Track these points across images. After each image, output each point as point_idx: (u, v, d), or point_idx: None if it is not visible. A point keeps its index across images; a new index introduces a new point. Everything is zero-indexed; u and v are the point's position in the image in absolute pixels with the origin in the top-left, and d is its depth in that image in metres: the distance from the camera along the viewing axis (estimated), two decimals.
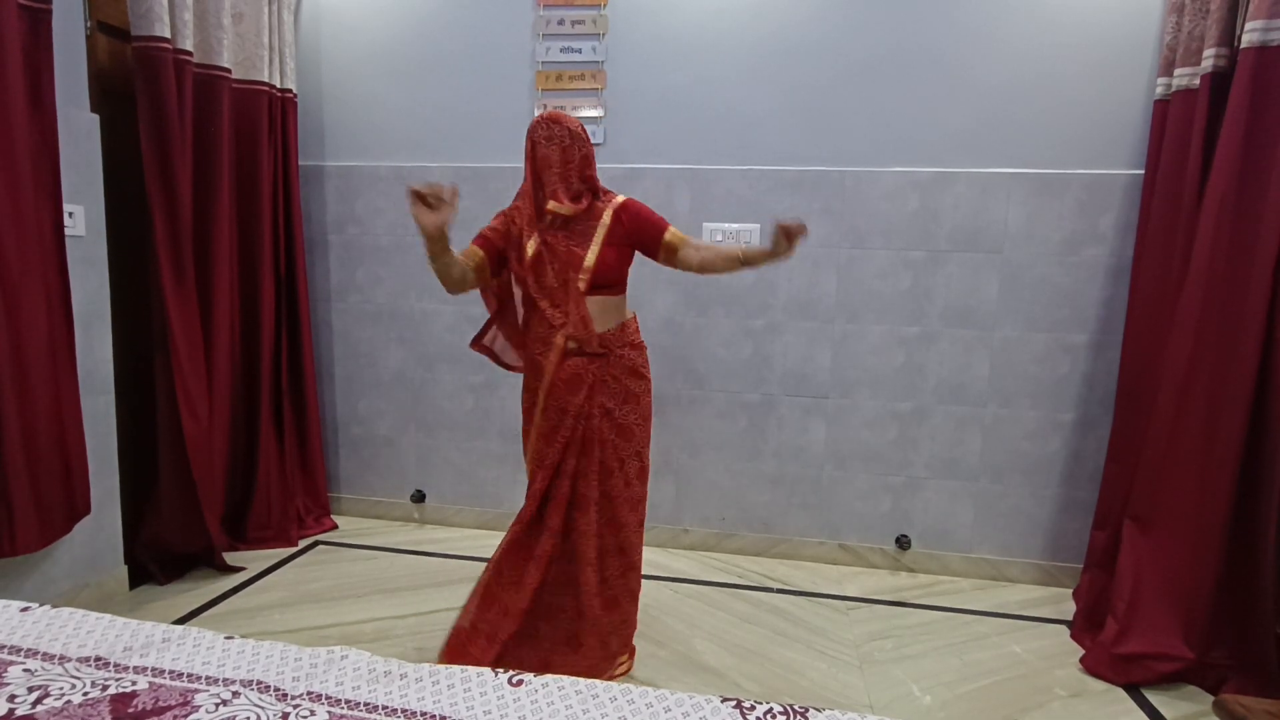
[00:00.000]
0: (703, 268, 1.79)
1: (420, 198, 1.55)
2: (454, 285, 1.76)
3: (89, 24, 2.12)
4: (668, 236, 1.80)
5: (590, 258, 1.72)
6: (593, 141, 2.64)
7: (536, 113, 2.70)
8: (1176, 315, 2.01)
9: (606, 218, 1.76)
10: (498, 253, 1.80)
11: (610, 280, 1.77)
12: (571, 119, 1.75)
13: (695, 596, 2.39)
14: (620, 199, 1.81)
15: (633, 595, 1.88)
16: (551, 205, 1.72)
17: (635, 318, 1.87)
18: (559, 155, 1.72)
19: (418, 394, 2.95)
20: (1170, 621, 1.96)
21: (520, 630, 1.76)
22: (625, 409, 1.79)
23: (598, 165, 2.65)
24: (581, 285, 1.72)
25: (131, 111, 2.18)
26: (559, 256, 1.73)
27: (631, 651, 1.95)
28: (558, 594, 1.79)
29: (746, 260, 1.73)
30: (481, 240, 1.80)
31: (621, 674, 1.88)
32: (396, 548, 2.74)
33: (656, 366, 2.72)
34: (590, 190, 1.78)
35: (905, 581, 2.59)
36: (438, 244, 1.62)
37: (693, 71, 2.59)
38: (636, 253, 1.85)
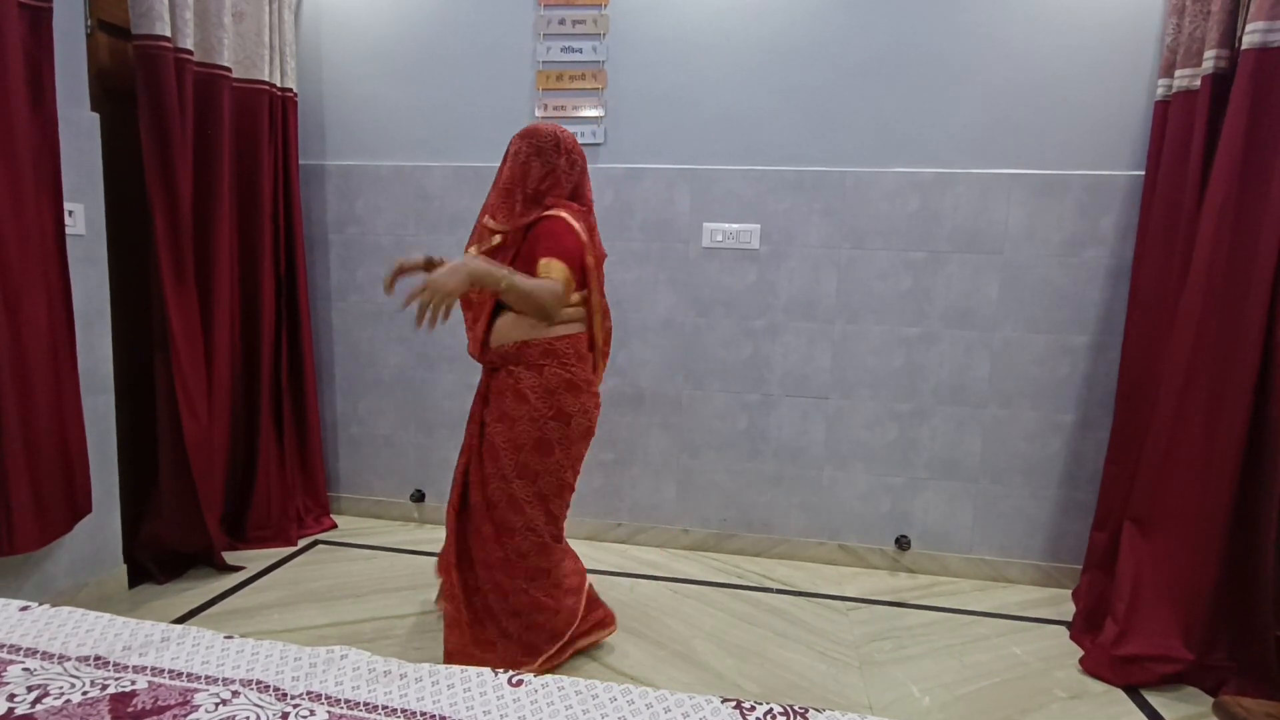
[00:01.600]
0: (525, 309, 1.65)
1: (405, 272, 1.71)
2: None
3: (89, 22, 2.12)
4: (539, 266, 1.64)
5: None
6: (594, 141, 2.67)
7: (537, 113, 2.71)
8: (1177, 317, 2.01)
9: (529, 231, 1.72)
10: None
11: None
12: (546, 129, 1.69)
13: (695, 597, 2.39)
14: (549, 214, 1.70)
15: (527, 614, 1.76)
16: (486, 221, 1.72)
17: (550, 340, 1.72)
18: (511, 173, 1.71)
19: (417, 394, 2.94)
20: (1170, 623, 1.96)
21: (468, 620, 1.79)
22: (497, 428, 1.72)
23: (599, 165, 2.68)
24: (475, 297, 1.73)
25: (132, 110, 2.18)
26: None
27: (540, 656, 1.79)
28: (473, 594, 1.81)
29: (495, 292, 1.60)
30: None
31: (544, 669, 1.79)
32: (396, 547, 2.73)
33: (655, 366, 2.73)
34: (539, 205, 1.72)
35: (905, 582, 2.59)
36: (482, 282, 1.54)
37: (693, 71, 2.59)
38: (597, 274, 1.80)
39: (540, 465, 1.72)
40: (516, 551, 1.74)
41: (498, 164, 2.73)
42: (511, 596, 1.75)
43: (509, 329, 1.72)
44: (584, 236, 1.73)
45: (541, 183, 1.69)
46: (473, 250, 1.76)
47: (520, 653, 1.76)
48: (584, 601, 1.91)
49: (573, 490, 1.82)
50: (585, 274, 1.76)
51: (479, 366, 2.86)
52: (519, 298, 1.58)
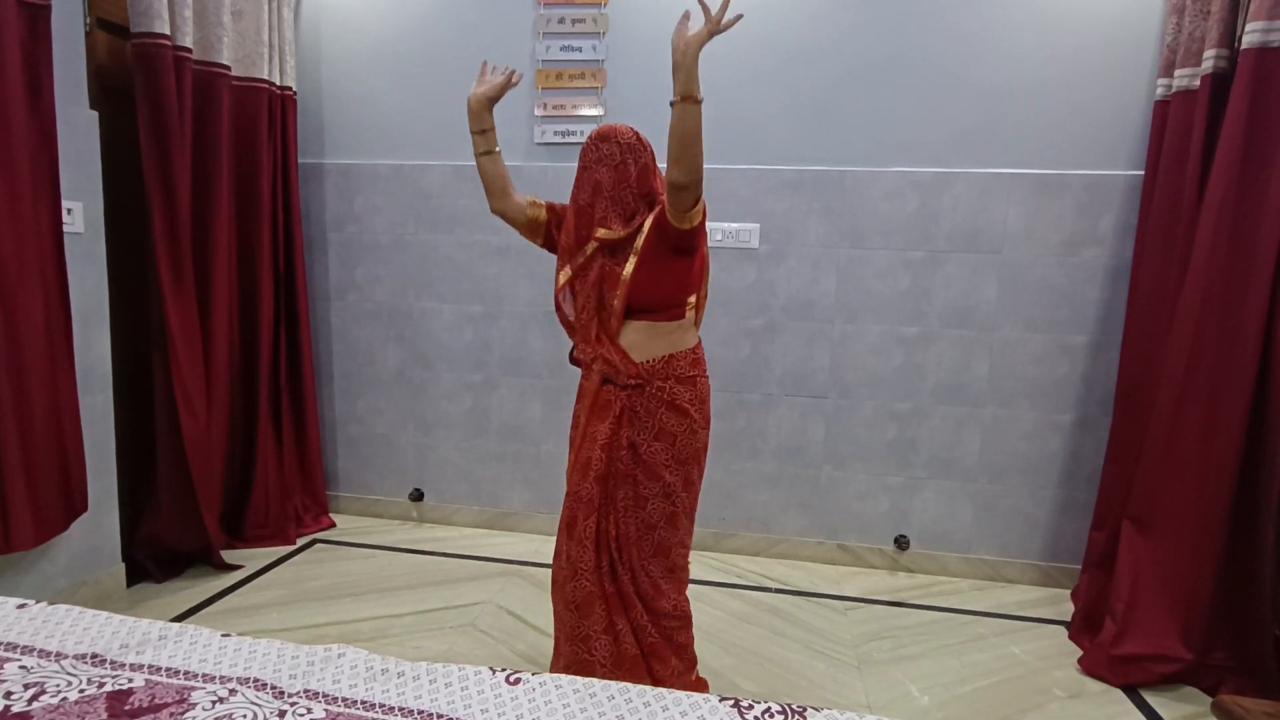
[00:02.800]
0: (680, 149, 1.47)
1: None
2: (494, 194, 1.70)
3: (88, 20, 2.11)
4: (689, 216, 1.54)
5: (626, 271, 1.58)
6: None
7: (537, 112, 2.70)
8: (1176, 316, 2.01)
9: (646, 226, 1.58)
10: (556, 224, 1.72)
11: (654, 302, 1.61)
12: (624, 131, 1.61)
13: (694, 596, 2.37)
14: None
15: (674, 646, 1.67)
16: (601, 233, 1.59)
17: (693, 350, 1.66)
18: (612, 177, 1.59)
19: (416, 393, 2.94)
20: (1169, 623, 1.96)
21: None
22: (655, 445, 1.61)
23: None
24: (617, 305, 1.59)
25: (131, 108, 2.17)
26: (601, 277, 1.62)
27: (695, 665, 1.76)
28: (615, 640, 1.64)
29: (682, 94, 1.48)
30: (549, 206, 1.74)
31: None
32: (394, 546, 2.73)
33: None
34: (648, 204, 1.63)
35: (904, 582, 2.59)
36: (473, 117, 1.62)
37: None
38: (703, 274, 1.68)
39: (696, 473, 1.68)
40: (669, 568, 1.67)
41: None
42: (665, 617, 1.66)
43: (648, 341, 1.62)
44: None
45: (642, 180, 1.62)
46: (566, 271, 1.64)
47: (684, 668, 1.70)
48: None
49: None
50: (706, 265, 1.70)
51: (478, 365, 2.90)
52: (696, 125, 1.47)
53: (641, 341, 1.62)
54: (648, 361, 1.61)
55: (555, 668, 1.71)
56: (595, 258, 1.62)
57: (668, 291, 1.62)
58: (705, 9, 1.48)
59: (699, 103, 1.46)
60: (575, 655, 1.64)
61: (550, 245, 1.75)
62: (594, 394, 1.65)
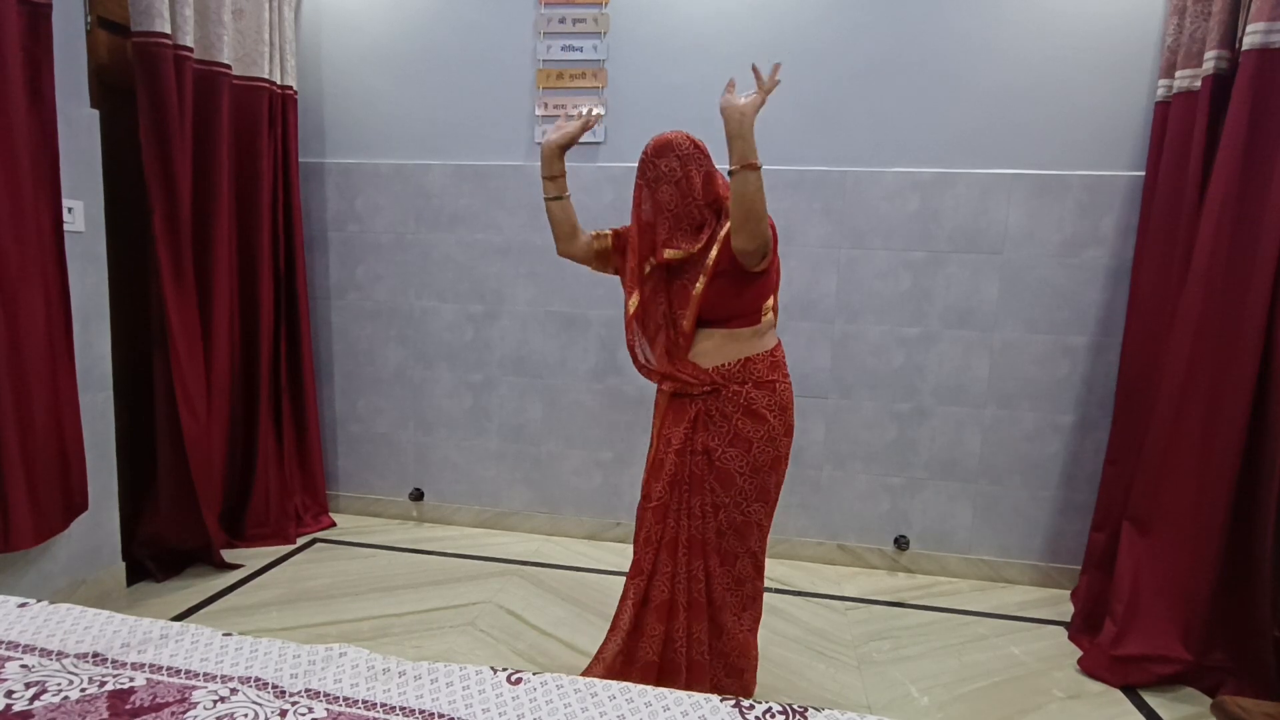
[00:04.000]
0: (743, 216, 1.43)
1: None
2: (562, 237, 1.69)
3: (89, 19, 2.11)
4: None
5: (697, 289, 1.54)
6: (594, 140, 2.67)
7: (537, 111, 2.70)
8: (1176, 317, 2.01)
9: (719, 240, 1.54)
10: (621, 249, 1.70)
11: (728, 314, 1.57)
12: (681, 141, 1.54)
13: None
14: None
15: (732, 659, 1.64)
16: (669, 254, 1.55)
17: (771, 353, 1.62)
18: (675, 193, 1.53)
19: (417, 392, 2.94)
20: (1168, 624, 1.96)
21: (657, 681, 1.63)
22: (730, 451, 1.57)
23: (599, 164, 2.68)
24: (686, 325, 1.56)
25: (131, 107, 2.17)
26: (670, 296, 1.60)
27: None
28: (672, 643, 1.63)
29: (741, 163, 1.42)
30: (614, 234, 1.72)
31: None
32: (395, 546, 2.73)
33: None
34: (715, 212, 1.58)
35: (904, 582, 2.59)
36: (545, 163, 1.61)
37: (694, 71, 2.59)
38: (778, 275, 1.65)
39: (773, 484, 1.62)
40: (736, 579, 1.63)
41: (497, 162, 2.77)
42: (725, 636, 1.63)
43: (722, 347, 1.58)
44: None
45: (708, 190, 1.57)
46: (635, 297, 1.60)
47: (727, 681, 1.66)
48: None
49: None
50: (779, 271, 1.64)
51: (478, 365, 2.90)
52: (757, 192, 1.41)
53: (714, 349, 1.58)
54: (721, 365, 1.58)
55: (601, 657, 1.69)
56: (663, 277, 1.59)
57: (742, 303, 1.57)
58: (758, 75, 1.48)
59: (758, 169, 1.41)
60: (622, 646, 1.64)
61: (621, 270, 1.71)
62: (667, 399, 1.64)
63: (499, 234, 2.77)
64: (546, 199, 1.68)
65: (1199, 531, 1.92)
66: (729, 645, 1.64)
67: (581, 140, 2.67)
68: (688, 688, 1.57)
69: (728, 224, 1.53)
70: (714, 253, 1.54)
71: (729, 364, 1.58)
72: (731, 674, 1.65)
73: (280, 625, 2.11)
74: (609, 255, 1.73)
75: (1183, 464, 1.96)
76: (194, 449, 2.31)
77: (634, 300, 1.61)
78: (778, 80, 1.48)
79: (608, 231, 1.73)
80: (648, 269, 1.59)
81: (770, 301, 1.61)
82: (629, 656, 1.65)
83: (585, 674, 1.61)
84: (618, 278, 1.77)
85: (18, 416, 1.81)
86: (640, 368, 1.66)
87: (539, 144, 2.73)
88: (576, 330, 2.78)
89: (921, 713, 1.81)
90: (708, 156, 1.57)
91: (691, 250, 1.54)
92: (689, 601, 1.62)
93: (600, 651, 1.70)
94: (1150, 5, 2.31)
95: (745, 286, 1.56)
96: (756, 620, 1.69)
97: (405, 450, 2.99)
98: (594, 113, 1.65)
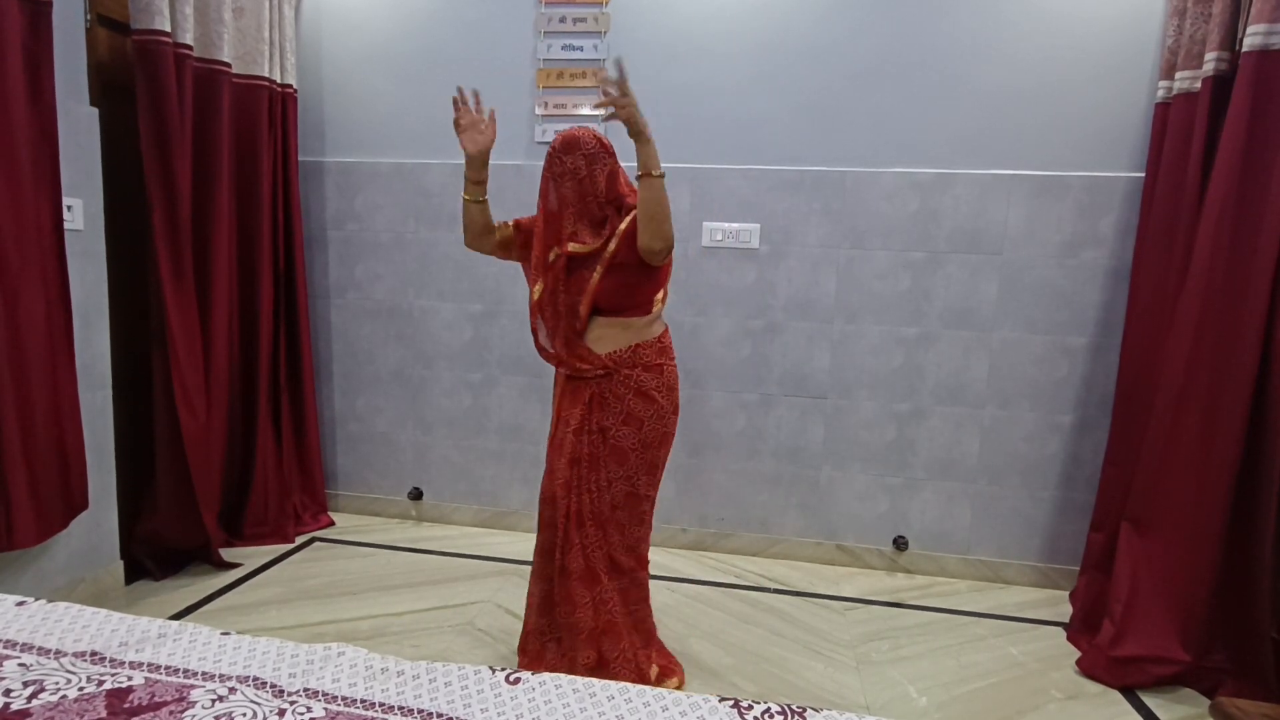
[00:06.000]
0: (646, 221, 1.56)
1: (456, 119, 1.67)
2: (474, 234, 1.76)
3: (89, 17, 2.11)
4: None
5: (593, 280, 1.65)
6: None
7: (538, 110, 2.70)
8: (1176, 318, 2.02)
9: (617, 234, 1.65)
10: (524, 240, 1.79)
11: (621, 305, 1.68)
12: (587, 139, 1.62)
13: (693, 596, 2.39)
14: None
15: (634, 619, 1.80)
16: (573, 247, 1.64)
17: (659, 339, 1.74)
18: (578, 190, 1.62)
19: (416, 391, 2.94)
20: (1167, 625, 1.96)
21: (556, 640, 1.81)
22: (624, 430, 1.70)
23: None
24: (582, 310, 1.67)
25: (131, 105, 2.17)
26: (569, 286, 1.68)
27: (664, 673, 1.84)
28: (566, 609, 1.76)
29: (647, 170, 1.54)
30: (516, 224, 1.81)
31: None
32: (394, 545, 2.73)
33: None
34: (617, 209, 1.68)
35: (902, 582, 2.59)
36: (474, 166, 1.67)
37: (694, 71, 2.59)
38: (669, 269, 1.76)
39: (660, 458, 1.77)
40: (629, 546, 1.78)
41: (497, 161, 2.73)
42: (628, 592, 1.79)
43: (616, 335, 1.70)
44: None
45: (610, 188, 1.65)
46: (540, 286, 1.70)
47: (641, 643, 1.82)
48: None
49: None
50: (671, 268, 1.77)
51: (478, 364, 2.89)
52: (663, 198, 1.55)
53: (608, 336, 1.70)
54: (614, 351, 1.69)
55: (523, 638, 1.87)
56: (565, 268, 1.68)
57: (635, 294, 1.69)
58: (607, 87, 1.54)
59: (658, 177, 1.54)
60: (536, 623, 1.82)
61: (523, 259, 1.81)
62: (564, 382, 1.76)
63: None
64: (469, 200, 1.74)
65: (1198, 532, 1.92)
66: (629, 587, 1.80)
67: None
68: (618, 647, 1.74)
69: (626, 219, 1.65)
70: (612, 247, 1.64)
71: (620, 350, 1.69)
72: (636, 624, 1.82)
73: (279, 624, 2.11)
74: (511, 244, 1.81)
75: (1182, 465, 1.96)
76: (193, 448, 2.31)
77: (538, 289, 1.71)
78: (625, 79, 1.54)
79: (510, 222, 1.81)
80: (551, 258, 1.68)
81: (660, 294, 1.74)
82: (555, 627, 1.80)
83: (522, 664, 1.80)
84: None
85: (18, 415, 1.81)
86: (541, 351, 1.78)
87: (539, 141, 2.72)
88: None
89: (920, 713, 1.81)
90: (612, 155, 1.66)
91: (594, 246, 1.65)
92: (590, 569, 1.74)
93: (523, 643, 1.86)
94: (1150, 6, 2.31)
95: (640, 280, 1.68)
96: (646, 562, 1.85)
97: (404, 449, 2.99)
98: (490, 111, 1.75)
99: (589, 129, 1.66)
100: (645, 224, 1.56)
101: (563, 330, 1.71)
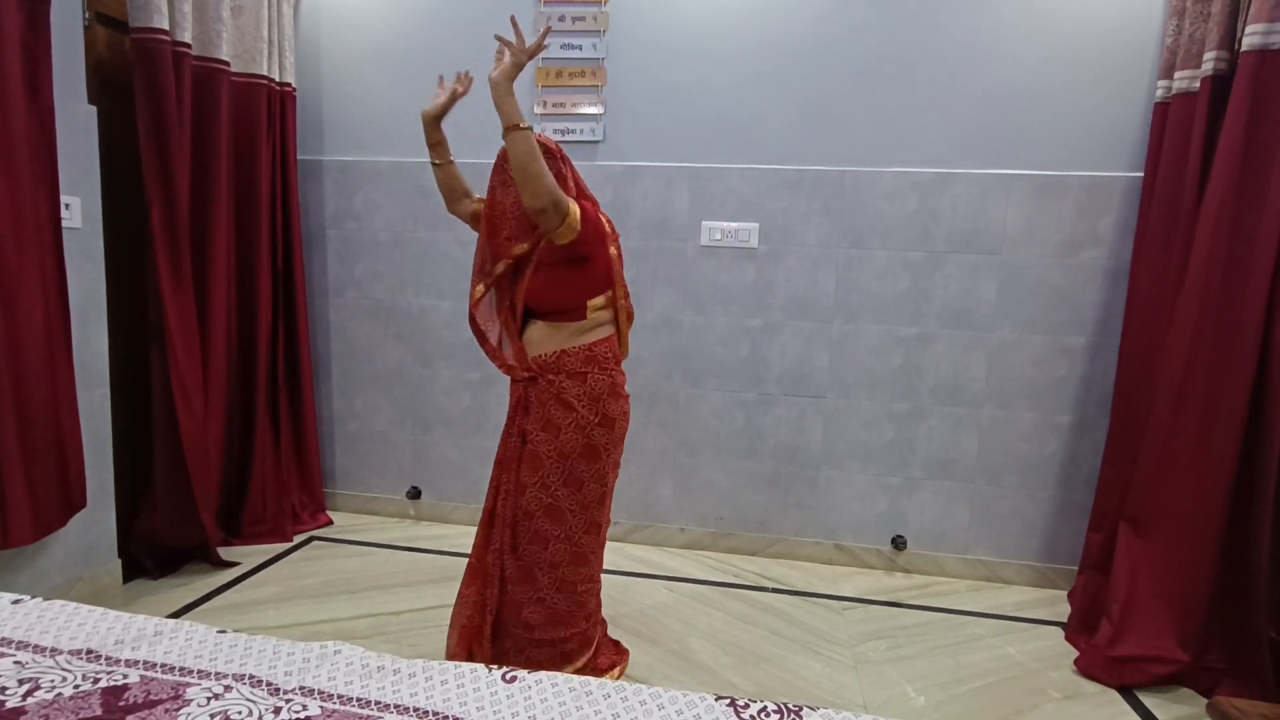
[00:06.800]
0: (521, 176, 1.52)
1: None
2: (448, 199, 1.83)
3: (87, 15, 2.11)
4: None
5: (525, 278, 1.68)
6: (593, 138, 2.67)
7: (537, 110, 2.70)
8: (1174, 318, 2.02)
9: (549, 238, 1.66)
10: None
11: (553, 306, 1.68)
12: None
13: (691, 595, 2.39)
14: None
15: (537, 634, 1.72)
16: (516, 249, 1.67)
17: (589, 347, 1.70)
18: (514, 197, 1.65)
19: (415, 390, 2.94)
20: (1165, 624, 1.96)
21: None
22: (540, 435, 1.67)
23: (598, 162, 2.67)
24: (517, 312, 1.71)
25: (129, 103, 2.17)
26: (512, 287, 1.72)
27: (599, 668, 1.84)
28: (481, 607, 1.75)
29: (506, 125, 1.52)
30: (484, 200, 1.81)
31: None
32: (392, 544, 2.73)
33: (653, 364, 2.73)
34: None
35: (901, 582, 2.59)
36: (426, 129, 1.74)
37: (693, 70, 2.59)
38: (603, 276, 1.72)
39: (587, 472, 1.70)
40: (548, 563, 1.70)
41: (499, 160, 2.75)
42: (526, 610, 1.70)
43: (544, 339, 1.69)
44: (607, 226, 1.72)
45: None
46: (480, 288, 1.73)
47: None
48: (599, 634, 1.87)
49: (611, 495, 1.80)
50: (610, 270, 1.72)
51: (477, 363, 2.89)
52: (526, 152, 1.49)
53: (537, 339, 1.71)
54: (540, 355, 1.70)
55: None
56: (509, 270, 1.72)
57: (566, 296, 1.68)
58: (508, 43, 1.57)
59: (523, 129, 1.51)
60: (452, 614, 1.80)
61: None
62: (512, 384, 1.78)
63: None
64: (432, 164, 1.81)
65: (1196, 532, 1.92)
66: (531, 616, 1.70)
67: (580, 140, 2.68)
68: (484, 653, 1.71)
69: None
70: (542, 244, 1.66)
71: (546, 355, 1.69)
72: (541, 645, 1.72)
73: (276, 623, 2.11)
74: (480, 219, 1.81)
75: (1180, 465, 1.96)
76: (191, 446, 2.31)
77: (479, 289, 1.73)
78: (544, 45, 1.58)
79: (484, 199, 1.82)
80: (500, 269, 1.71)
81: (600, 300, 1.71)
82: (453, 621, 1.80)
83: (450, 653, 1.77)
84: None
85: (16, 414, 1.81)
86: (484, 350, 1.79)
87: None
88: None
89: (918, 712, 1.81)
90: (557, 158, 1.68)
91: (527, 247, 1.67)
92: (499, 575, 1.71)
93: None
94: (1149, 6, 2.31)
95: (567, 279, 1.66)
96: (581, 606, 1.76)
97: (403, 448, 2.98)
98: (465, 74, 1.83)
99: (537, 135, 1.66)
100: (521, 184, 1.52)
101: (498, 330, 1.77)
